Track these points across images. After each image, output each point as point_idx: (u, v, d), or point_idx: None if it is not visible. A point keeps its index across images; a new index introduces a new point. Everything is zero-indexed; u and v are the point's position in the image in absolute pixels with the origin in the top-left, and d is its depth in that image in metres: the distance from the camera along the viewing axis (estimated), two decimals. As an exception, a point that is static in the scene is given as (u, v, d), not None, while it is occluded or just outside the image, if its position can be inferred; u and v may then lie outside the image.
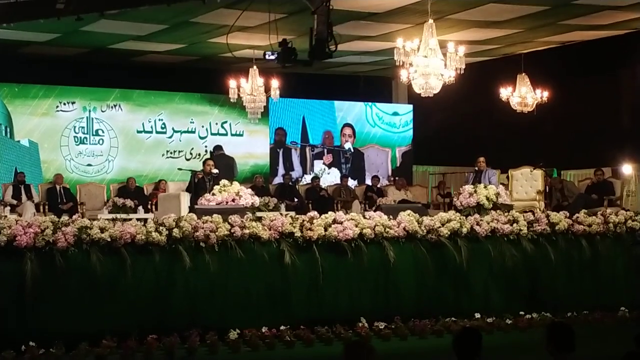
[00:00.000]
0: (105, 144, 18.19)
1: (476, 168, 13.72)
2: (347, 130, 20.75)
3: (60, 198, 15.34)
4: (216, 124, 19.31)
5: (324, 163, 20.41)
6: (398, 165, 21.09)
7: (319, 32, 9.30)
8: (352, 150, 20.74)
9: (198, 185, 12.41)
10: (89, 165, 17.97)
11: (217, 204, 11.00)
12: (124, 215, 12.34)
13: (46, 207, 14.71)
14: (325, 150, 20.53)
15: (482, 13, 14.05)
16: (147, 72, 18.36)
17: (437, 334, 9.14)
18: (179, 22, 14.57)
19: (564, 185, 15.41)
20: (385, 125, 21.09)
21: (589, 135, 17.92)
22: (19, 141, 17.42)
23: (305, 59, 10.20)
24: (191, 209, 10.88)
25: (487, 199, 11.17)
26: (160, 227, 8.66)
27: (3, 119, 17.28)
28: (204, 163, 13.15)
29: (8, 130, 17.35)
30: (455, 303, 9.82)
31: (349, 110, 20.88)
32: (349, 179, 19.01)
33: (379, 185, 17.94)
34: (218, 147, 19.03)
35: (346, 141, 20.69)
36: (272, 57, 10.95)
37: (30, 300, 7.97)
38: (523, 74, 17.10)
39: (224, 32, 15.37)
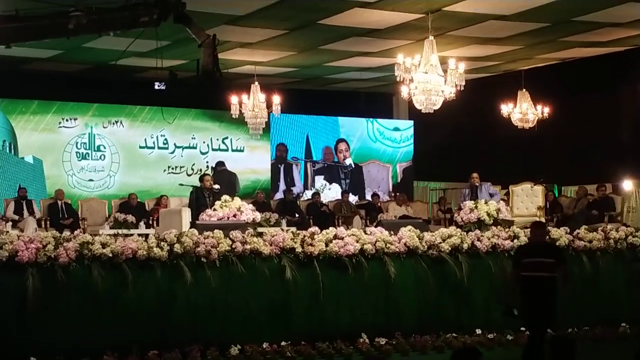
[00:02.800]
0: (106, 159, 18.23)
1: (470, 184, 13.66)
2: (342, 146, 20.75)
3: (62, 213, 15.35)
4: (217, 139, 19.34)
5: (324, 178, 20.44)
6: (399, 181, 21.10)
7: (205, 64, 9.62)
8: (353, 165, 20.76)
9: (198, 201, 12.42)
10: (91, 180, 17.99)
11: (218, 220, 11.02)
12: (125, 231, 12.31)
13: (48, 222, 14.71)
14: (325, 166, 20.54)
15: (482, 30, 14.10)
16: (149, 88, 18.39)
17: (438, 350, 9.14)
18: (180, 38, 14.59)
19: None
20: (387, 141, 21.13)
21: (590, 151, 17.94)
22: (22, 158, 17.46)
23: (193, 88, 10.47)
24: (192, 225, 10.89)
25: (488, 214, 11.18)
26: (162, 243, 8.69)
27: (7, 135, 17.32)
28: (201, 179, 13.13)
29: (12, 146, 17.40)
30: (456, 319, 9.83)
31: (353, 126, 20.92)
32: (350, 194, 19.02)
33: (379, 204, 17.94)
34: (220, 163, 18.98)
35: (344, 157, 20.70)
36: (162, 87, 11.09)
37: (32, 315, 7.99)
38: (524, 90, 17.14)
39: (225, 48, 15.43)
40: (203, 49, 9.80)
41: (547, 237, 9.36)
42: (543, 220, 13.79)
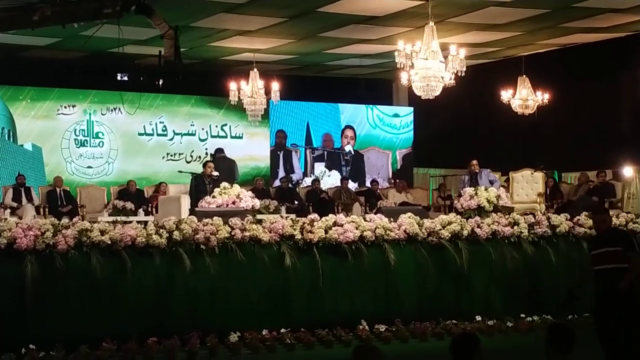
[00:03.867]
0: (105, 146, 18.19)
1: (469, 171, 13.62)
2: (349, 132, 20.72)
3: (61, 201, 15.31)
4: (216, 126, 19.29)
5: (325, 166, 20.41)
6: (399, 167, 21.07)
7: (166, 55, 9.73)
8: (353, 152, 20.73)
9: (198, 188, 12.40)
10: (89, 167, 17.96)
11: (217, 207, 11.00)
12: (124, 218, 12.31)
13: (46, 209, 14.68)
14: (326, 153, 20.51)
15: (482, 16, 14.04)
16: (147, 75, 18.32)
17: (437, 337, 9.14)
18: (179, 26, 14.56)
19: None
20: (386, 127, 21.08)
21: (590, 138, 17.91)
22: (22, 145, 17.42)
23: (157, 78, 10.57)
24: (191, 212, 10.87)
25: (488, 201, 11.17)
26: (161, 230, 8.67)
27: (6, 123, 17.28)
28: (204, 165, 13.12)
29: (11, 133, 17.36)
30: (456, 306, 9.82)
31: (353, 113, 20.88)
32: (349, 181, 18.99)
33: (378, 191, 17.91)
34: (219, 150, 19.02)
35: (347, 143, 20.67)
36: (125, 78, 11.16)
37: (31, 303, 7.98)
38: (524, 76, 17.09)
39: (224, 37, 15.39)
40: (165, 40, 9.89)
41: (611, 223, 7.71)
42: (543, 207, 13.79)
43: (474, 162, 13.58)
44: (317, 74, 19.81)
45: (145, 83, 18.00)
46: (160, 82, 10.53)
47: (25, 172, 16.33)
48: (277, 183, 18.80)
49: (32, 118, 17.52)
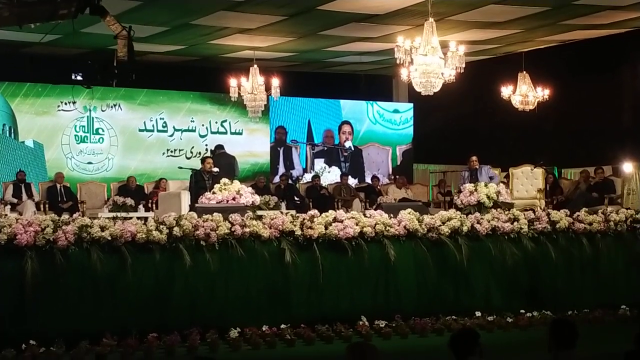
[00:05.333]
0: (105, 142, 18.20)
1: (469, 167, 13.60)
2: (347, 128, 20.70)
3: (61, 197, 15.33)
4: (216, 122, 19.30)
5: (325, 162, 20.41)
6: (398, 163, 21.07)
7: (120, 55, 9.89)
8: (353, 148, 20.73)
9: (198, 184, 12.40)
10: (90, 163, 17.98)
11: (217, 203, 11.00)
12: (124, 214, 12.30)
13: (46, 205, 14.69)
14: (326, 149, 20.51)
15: (482, 14, 14.02)
16: (148, 72, 18.32)
17: (437, 333, 9.14)
18: (179, 24, 14.57)
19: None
20: (386, 123, 21.08)
21: (590, 134, 17.91)
22: (23, 142, 17.43)
23: (111, 78, 10.70)
24: (192, 208, 10.88)
25: (488, 197, 11.16)
26: (161, 226, 8.67)
27: (7, 119, 17.29)
28: (203, 161, 13.08)
29: (12, 130, 17.36)
30: (456, 301, 9.83)
31: (353, 109, 20.87)
32: (349, 177, 18.99)
33: (378, 187, 17.92)
34: (219, 147, 18.96)
35: (346, 139, 20.67)
36: (79, 78, 11.25)
37: (31, 299, 7.98)
38: (524, 72, 17.09)
39: (224, 34, 15.39)
40: (119, 40, 10.02)
41: None
42: (543, 203, 13.80)
43: (474, 158, 13.56)
44: (317, 70, 19.80)
45: (142, 80, 18.15)
46: (114, 82, 10.71)
47: (26, 168, 16.35)
48: (276, 180, 18.81)
49: (33, 114, 17.53)
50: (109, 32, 14.73)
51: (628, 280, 10.75)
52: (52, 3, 9.44)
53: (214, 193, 11.38)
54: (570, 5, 13.65)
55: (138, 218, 9.39)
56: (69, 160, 17.78)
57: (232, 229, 8.91)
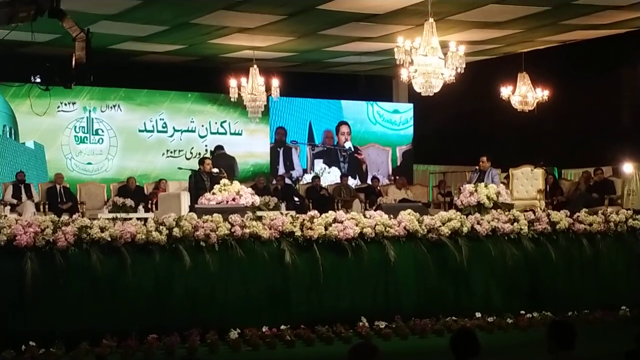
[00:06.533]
0: (105, 143, 18.20)
1: (477, 167, 13.55)
2: (345, 129, 20.69)
3: (60, 197, 15.32)
4: (216, 123, 19.30)
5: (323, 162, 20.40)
6: (398, 164, 21.07)
7: (78, 58, 9.94)
8: (352, 149, 20.72)
9: (197, 185, 12.39)
10: (89, 163, 17.98)
11: (217, 204, 10.99)
12: (124, 215, 12.32)
13: (46, 206, 14.69)
14: (324, 148, 20.49)
15: (482, 14, 14.02)
16: (147, 72, 18.34)
17: (437, 333, 9.12)
18: (178, 23, 14.57)
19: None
20: (386, 123, 21.08)
21: (590, 134, 17.90)
22: (24, 143, 17.42)
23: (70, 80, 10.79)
24: (191, 209, 10.87)
25: (488, 198, 11.15)
26: (161, 227, 8.66)
27: (8, 120, 17.28)
28: (202, 162, 13.02)
29: (13, 131, 17.35)
30: (456, 302, 9.81)
31: (354, 109, 20.85)
32: (349, 178, 18.99)
33: (378, 187, 17.92)
34: (219, 147, 19.01)
35: (345, 140, 20.65)
36: (38, 80, 11.33)
37: (30, 300, 7.96)
38: (524, 72, 17.08)
39: (224, 34, 15.39)
40: (77, 42, 10.06)
41: None
42: (543, 203, 13.79)
43: (484, 158, 13.34)
44: (317, 71, 19.80)
45: (142, 81, 18.17)
46: (73, 85, 10.81)
47: (27, 170, 16.36)
48: (275, 181, 18.82)
49: (33, 115, 17.49)
50: (109, 32, 14.81)
51: (628, 280, 10.73)
52: (11, 6, 9.54)
53: (213, 194, 11.38)
54: (571, 5, 13.66)
55: (138, 219, 9.38)
56: (69, 160, 17.78)
57: (232, 230, 8.89)
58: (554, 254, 10.27)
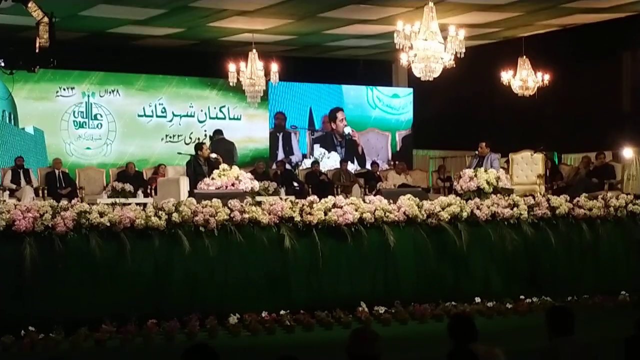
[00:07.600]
0: (103, 128, 18.16)
1: (477, 152, 13.54)
2: (340, 115, 20.62)
3: (59, 182, 15.28)
4: (214, 108, 19.25)
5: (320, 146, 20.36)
6: (398, 149, 21.03)
7: (41, 42, 9.96)
8: (351, 134, 20.67)
9: (195, 170, 12.35)
10: (88, 148, 17.95)
11: (216, 189, 10.98)
12: (123, 200, 12.28)
13: (45, 191, 14.65)
14: (324, 133, 20.45)
15: (482, -5, 13.99)
16: (147, 57, 18.28)
17: (437, 318, 9.13)
18: (177, 6, 14.50)
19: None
20: (386, 108, 21.03)
21: (590, 119, 17.86)
22: (23, 128, 17.37)
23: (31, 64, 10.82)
24: (190, 194, 10.84)
25: (488, 183, 11.12)
26: (160, 212, 8.64)
27: (7, 105, 17.22)
28: (200, 147, 12.90)
29: (12, 116, 17.30)
30: (456, 287, 9.82)
31: (354, 94, 20.80)
32: (349, 163, 18.97)
33: (378, 172, 17.90)
34: (218, 132, 18.95)
35: (345, 125, 20.59)
36: (2, 65, 11.34)
37: (30, 285, 7.96)
38: (524, 57, 17.03)
39: (223, 17, 15.32)
40: (40, 26, 10.06)
41: None
42: (543, 188, 13.77)
43: (483, 144, 13.35)
44: (316, 55, 19.74)
45: (141, 65, 18.11)
46: (37, 69, 10.84)
47: (27, 155, 16.32)
48: (275, 166, 18.79)
49: (32, 100, 17.47)
50: (108, 16, 14.72)
51: (628, 266, 10.74)
52: None
53: (212, 179, 11.36)
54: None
55: (137, 204, 9.36)
56: (68, 145, 17.74)
57: (231, 215, 8.88)
58: (554, 239, 10.27)
